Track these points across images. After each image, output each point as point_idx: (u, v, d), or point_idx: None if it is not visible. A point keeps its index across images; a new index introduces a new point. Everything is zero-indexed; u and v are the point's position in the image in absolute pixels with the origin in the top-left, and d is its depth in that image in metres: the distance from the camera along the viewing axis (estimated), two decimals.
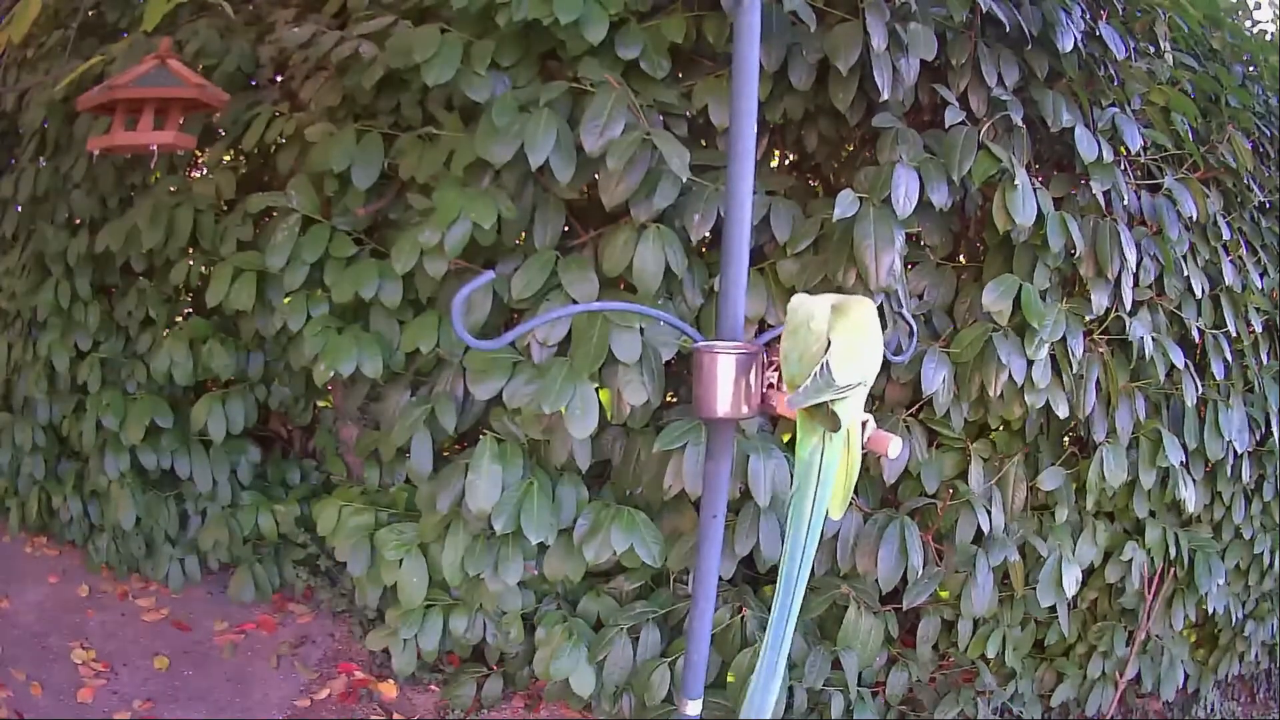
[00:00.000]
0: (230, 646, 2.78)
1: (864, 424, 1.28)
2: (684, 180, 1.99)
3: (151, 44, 2.33)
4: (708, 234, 2.10)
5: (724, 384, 1.35)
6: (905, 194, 2.00)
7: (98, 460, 2.87)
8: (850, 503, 2.22)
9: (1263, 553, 2.79)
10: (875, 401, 2.28)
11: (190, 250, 2.75)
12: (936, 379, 2.13)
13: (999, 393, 2.15)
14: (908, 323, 1.79)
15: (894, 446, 1.28)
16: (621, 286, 2.17)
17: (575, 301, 2.05)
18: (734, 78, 1.30)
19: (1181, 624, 2.69)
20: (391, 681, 2.66)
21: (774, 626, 1.25)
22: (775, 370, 1.37)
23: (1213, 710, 3.06)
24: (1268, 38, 3.41)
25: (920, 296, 2.26)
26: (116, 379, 2.89)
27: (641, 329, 2.04)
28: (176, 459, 2.85)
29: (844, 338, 1.22)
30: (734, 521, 2.17)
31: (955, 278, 2.31)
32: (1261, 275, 2.72)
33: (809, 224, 2.11)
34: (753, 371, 1.36)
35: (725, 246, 1.34)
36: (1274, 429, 2.68)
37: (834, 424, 1.23)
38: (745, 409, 1.36)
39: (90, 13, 3.16)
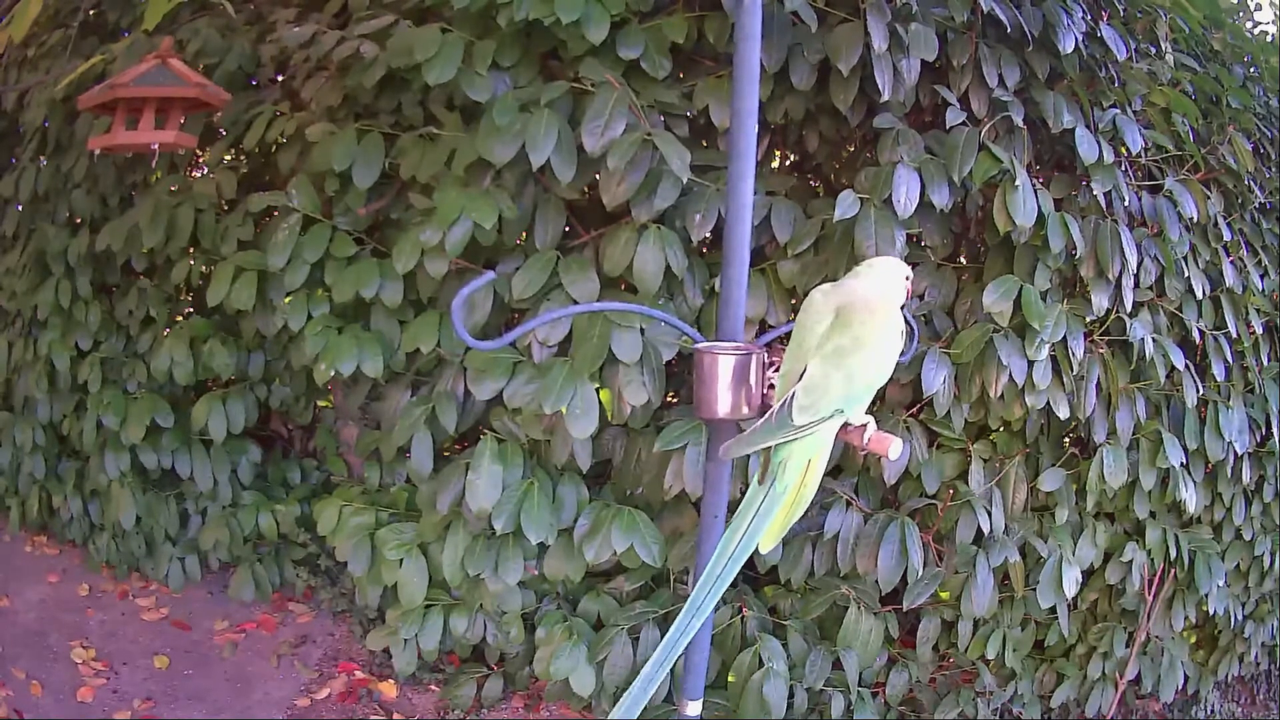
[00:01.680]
0: (230, 646, 2.78)
1: (864, 426, 1.28)
2: (684, 181, 1.99)
3: (152, 43, 2.34)
4: (708, 234, 2.10)
5: (724, 385, 1.35)
6: (906, 195, 2.00)
7: (98, 459, 2.88)
8: (850, 503, 2.24)
9: (1263, 554, 2.79)
10: (876, 402, 2.28)
11: (191, 250, 2.75)
12: (937, 380, 2.13)
13: (999, 393, 2.15)
14: (909, 324, 1.79)
15: (894, 448, 1.27)
16: (622, 287, 2.17)
17: (576, 302, 2.05)
18: (735, 78, 1.30)
19: (1181, 625, 2.69)
20: (392, 681, 2.66)
21: (667, 642, 1.20)
22: (776, 371, 1.36)
23: (1213, 711, 3.06)
24: (1268, 39, 3.41)
25: (921, 297, 2.26)
26: (117, 378, 2.89)
27: (642, 329, 2.04)
28: (177, 458, 2.85)
29: (824, 364, 1.17)
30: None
31: (956, 278, 2.31)
32: (1262, 276, 2.72)
33: (810, 224, 2.11)
34: (753, 372, 1.36)
35: (726, 247, 1.34)
36: (1274, 430, 2.68)
37: (761, 474, 1.21)
38: (746, 410, 1.36)
39: (91, 12, 3.17)
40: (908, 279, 1.34)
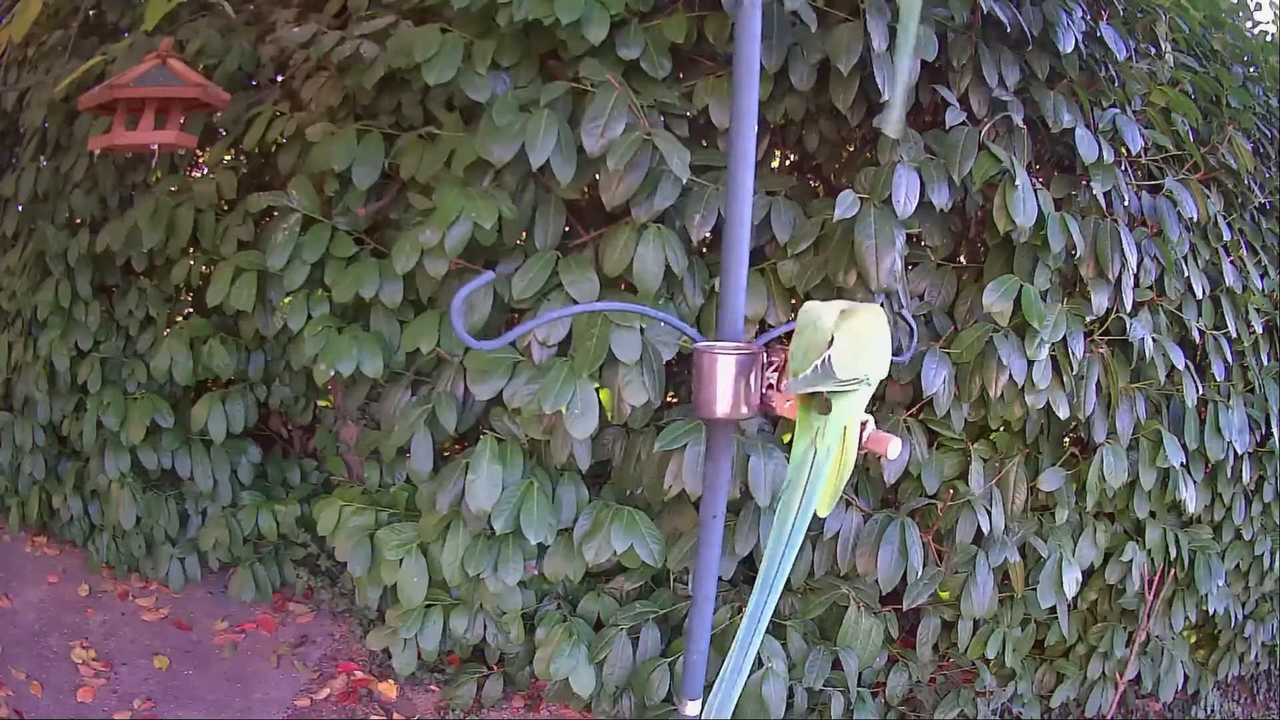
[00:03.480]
0: (230, 646, 2.78)
1: (863, 424, 1.29)
2: (684, 181, 1.99)
3: (152, 43, 2.33)
4: (708, 234, 2.10)
5: (724, 384, 1.35)
6: (906, 194, 2.00)
7: (98, 460, 2.88)
8: (850, 503, 2.24)
9: (1263, 554, 2.79)
10: (876, 402, 2.28)
11: (191, 250, 2.75)
12: (937, 380, 2.13)
13: (999, 393, 2.15)
14: (908, 323, 1.79)
15: (893, 447, 1.28)
16: (622, 286, 2.17)
17: (576, 302, 2.05)
18: (735, 78, 1.30)
19: (1181, 625, 2.69)
20: (391, 681, 2.66)
21: (746, 625, 1.24)
22: (775, 370, 1.37)
23: (1213, 711, 3.06)
24: (1268, 39, 3.40)
25: (921, 297, 2.26)
26: (117, 378, 2.89)
27: (642, 329, 2.04)
28: (177, 458, 2.85)
29: (848, 338, 1.23)
30: (734, 522, 2.17)
31: (956, 278, 2.30)
32: (1262, 276, 2.72)
33: (810, 224, 2.11)
34: (753, 372, 1.36)
35: (726, 247, 1.34)
36: (1274, 430, 2.68)
37: (825, 407, 1.23)
38: (745, 409, 1.36)
39: (91, 12, 3.17)
40: None
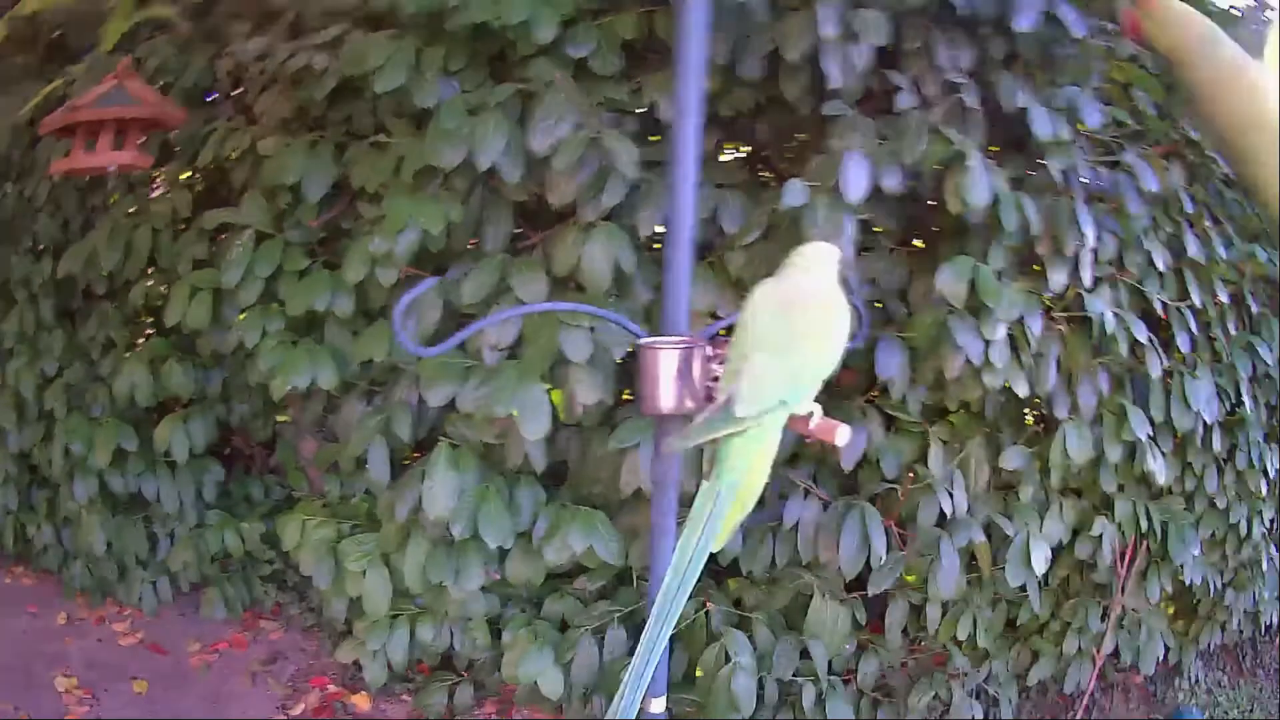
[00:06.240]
0: (205, 667, 2.77)
1: (809, 414, 1.27)
2: (632, 178, 1.98)
3: (111, 63, 2.32)
4: (658, 230, 2.08)
5: (666, 379, 1.35)
6: (856, 181, 1.97)
7: (67, 486, 2.85)
8: (808, 491, 2.22)
9: (1238, 521, 2.75)
10: (829, 387, 2.25)
11: (149, 270, 2.73)
12: (891, 364, 2.11)
13: (956, 375, 2.13)
14: (858, 311, 1.78)
15: (841, 435, 1.26)
16: (572, 286, 2.15)
17: (525, 304, 2.04)
18: (677, 72, 1.30)
19: (1158, 596, 2.66)
20: (365, 693, 2.65)
21: (641, 651, 1.21)
22: (720, 363, 1.36)
23: (1197, 681, 3.05)
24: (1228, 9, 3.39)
25: (874, 282, 2.23)
26: (81, 403, 2.87)
27: (592, 328, 2.02)
28: (143, 481, 2.82)
29: (768, 356, 1.19)
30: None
31: (910, 262, 2.28)
32: (1226, 246, 2.70)
33: (757, 214, 2.09)
34: (696, 365, 1.35)
35: (668, 240, 1.35)
36: (1244, 398, 2.66)
37: (706, 470, 1.21)
38: (690, 404, 1.35)
39: (55, 34, 3.14)
40: (840, 261, 1.35)
